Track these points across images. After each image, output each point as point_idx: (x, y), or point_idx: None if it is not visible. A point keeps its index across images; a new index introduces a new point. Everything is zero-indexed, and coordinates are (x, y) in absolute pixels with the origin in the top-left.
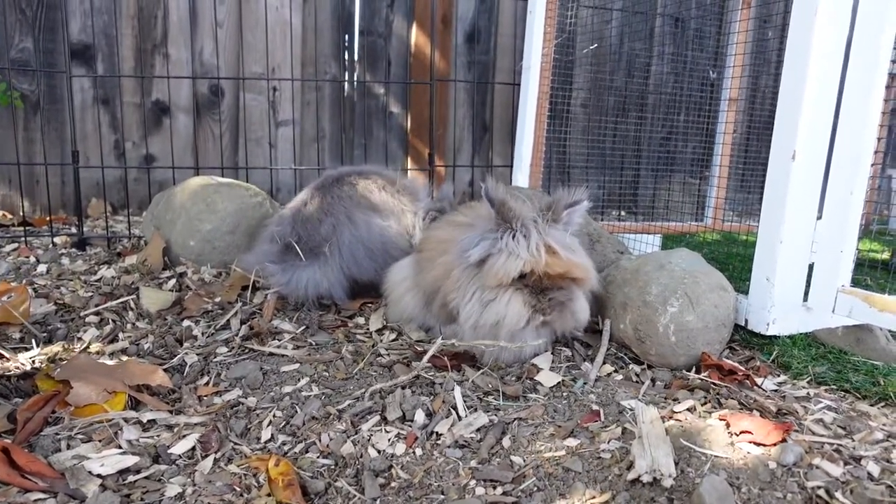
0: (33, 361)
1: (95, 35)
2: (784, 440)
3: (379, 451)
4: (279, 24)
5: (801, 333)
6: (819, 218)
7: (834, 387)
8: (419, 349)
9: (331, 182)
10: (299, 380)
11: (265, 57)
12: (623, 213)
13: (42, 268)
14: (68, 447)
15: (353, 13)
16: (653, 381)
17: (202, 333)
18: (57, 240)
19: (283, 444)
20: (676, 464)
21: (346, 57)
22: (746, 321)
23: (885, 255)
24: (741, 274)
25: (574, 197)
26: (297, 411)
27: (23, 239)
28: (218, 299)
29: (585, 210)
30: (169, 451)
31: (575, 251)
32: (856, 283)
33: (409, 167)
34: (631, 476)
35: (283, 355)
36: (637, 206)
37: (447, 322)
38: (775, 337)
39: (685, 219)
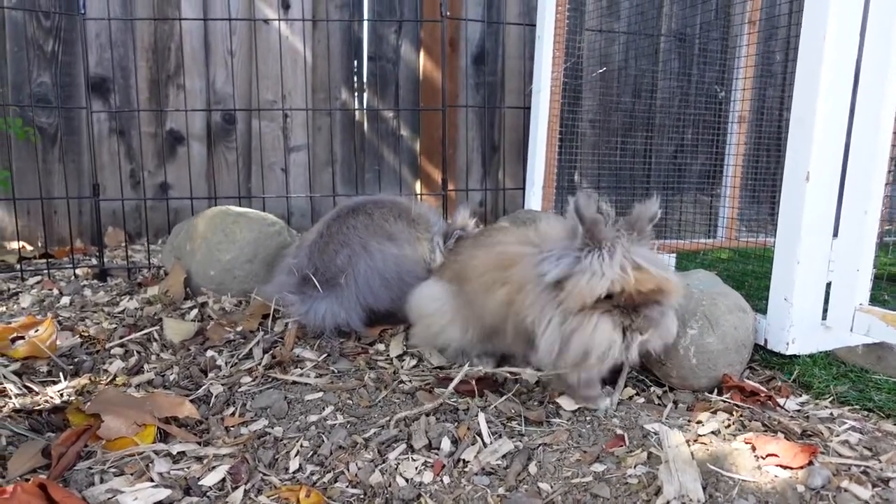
0: (62, 395)
1: (112, 68)
2: (811, 463)
3: (407, 480)
4: (290, 52)
5: (820, 352)
6: (835, 236)
7: (857, 406)
8: (442, 375)
9: (346, 212)
10: (324, 408)
11: (276, 84)
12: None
13: (65, 300)
14: (102, 481)
15: (362, 39)
16: (675, 403)
17: (226, 363)
18: (78, 271)
19: (312, 474)
20: (704, 488)
21: (356, 82)
22: (766, 341)
23: None
24: (758, 292)
25: (652, 209)
26: (323, 440)
27: (45, 271)
28: (239, 328)
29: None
30: (199, 483)
31: (662, 266)
32: (874, 299)
33: (421, 191)
34: (660, 502)
35: (306, 384)
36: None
37: (530, 349)
38: (795, 356)
39: (697, 236)
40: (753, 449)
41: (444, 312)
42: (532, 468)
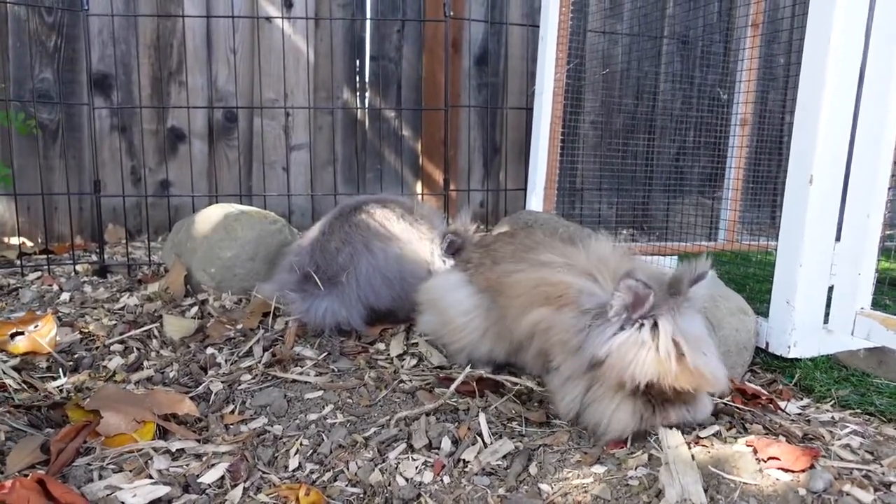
0: (61, 391)
1: (114, 64)
2: (812, 466)
3: (407, 480)
4: (292, 50)
5: (822, 356)
6: (838, 240)
7: (858, 410)
8: (442, 375)
9: (348, 211)
10: (324, 407)
11: (278, 82)
12: (635, 232)
13: (65, 296)
14: (100, 477)
15: (365, 38)
16: None
17: (226, 361)
18: (78, 267)
19: (312, 472)
20: (705, 491)
21: (358, 81)
22: (767, 344)
23: None
24: (759, 295)
25: (698, 270)
26: (323, 439)
27: (45, 267)
28: (240, 326)
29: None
30: (199, 481)
31: (707, 353)
32: (876, 303)
33: (422, 191)
34: None
35: (306, 382)
36: (651, 226)
37: (546, 371)
38: (797, 360)
39: (699, 238)
40: (755, 452)
41: (474, 328)
42: (532, 469)
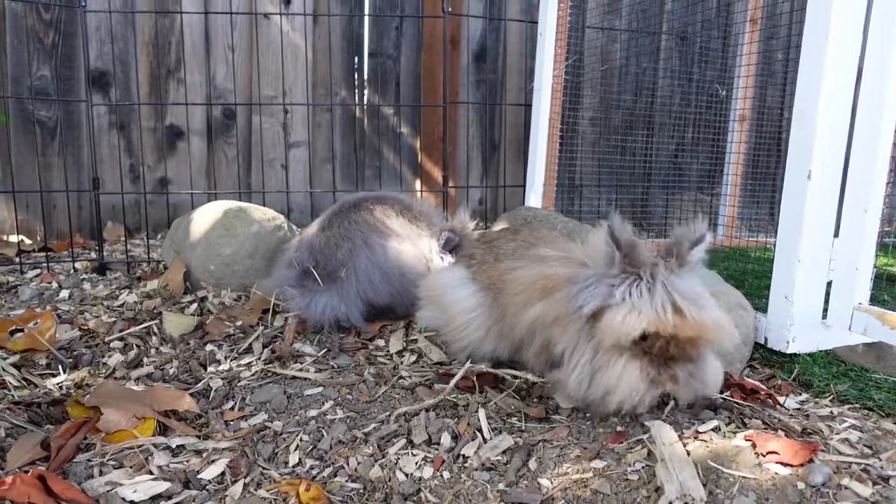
0: (61, 387)
1: (112, 62)
2: (811, 460)
3: (407, 475)
4: (290, 47)
5: (820, 351)
6: (836, 235)
7: (857, 405)
8: (442, 371)
9: (348, 207)
10: (324, 403)
11: (277, 79)
12: (633, 228)
13: (65, 293)
14: (101, 473)
15: (363, 35)
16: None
17: (225, 357)
18: (77, 265)
19: (312, 468)
20: (704, 485)
21: (357, 78)
22: (766, 339)
23: None
24: (757, 291)
25: (697, 233)
26: (323, 435)
27: (45, 265)
28: (239, 323)
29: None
30: (199, 477)
31: (704, 305)
32: (875, 299)
33: (421, 188)
34: (662, 502)
35: (306, 378)
36: (650, 223)
37: (549, 368)
38: (795, 355)
39: None
40: (754, 446)
41: (477, 327)
42: (532, 464)
